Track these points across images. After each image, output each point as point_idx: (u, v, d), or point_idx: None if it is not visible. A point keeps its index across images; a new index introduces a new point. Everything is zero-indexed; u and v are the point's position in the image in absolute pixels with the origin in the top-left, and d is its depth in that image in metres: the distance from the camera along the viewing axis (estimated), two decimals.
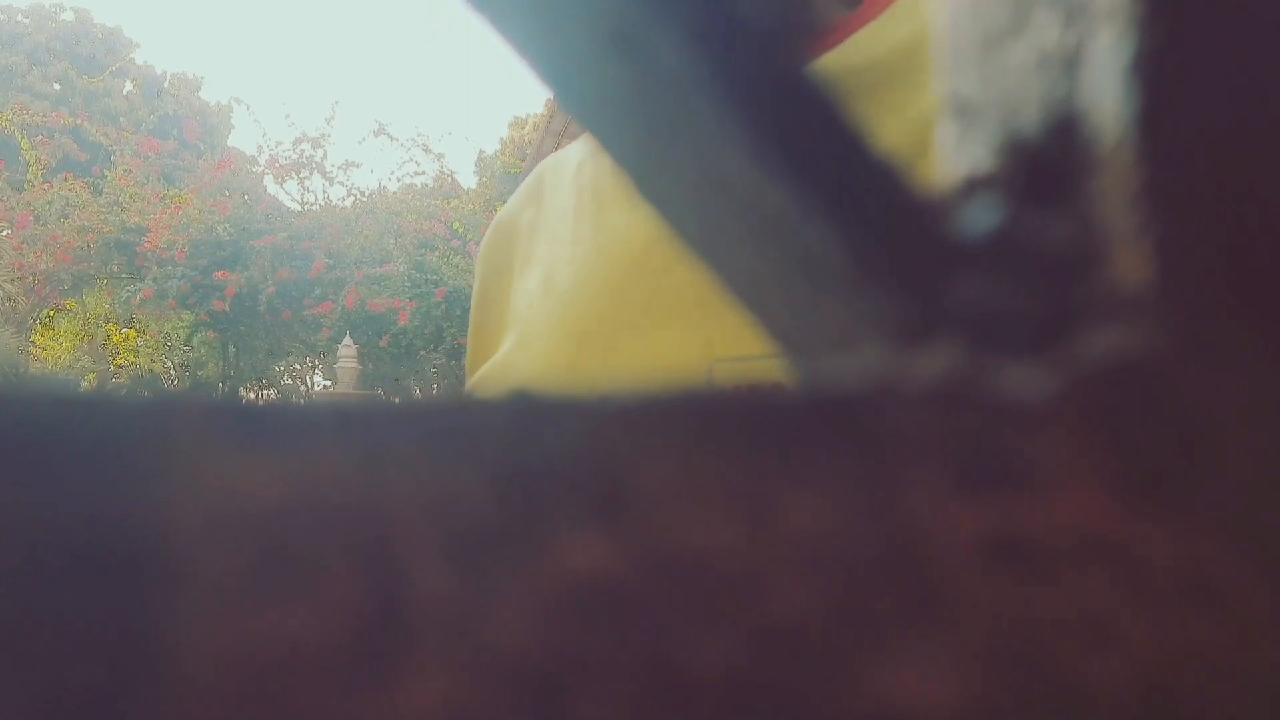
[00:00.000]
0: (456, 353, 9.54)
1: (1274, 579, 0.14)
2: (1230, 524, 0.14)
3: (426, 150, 11.38)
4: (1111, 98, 0.15)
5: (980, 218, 0.17)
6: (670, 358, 0.58)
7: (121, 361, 11.11)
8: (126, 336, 11.01)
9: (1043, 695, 0.13)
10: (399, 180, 11.42)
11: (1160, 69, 0.15)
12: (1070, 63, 0.17)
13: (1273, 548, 0.14)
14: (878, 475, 0.13)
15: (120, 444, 0.12)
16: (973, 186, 0.17)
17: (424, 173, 11.63)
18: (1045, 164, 0.17)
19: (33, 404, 0.12)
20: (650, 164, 0.20)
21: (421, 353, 9.66)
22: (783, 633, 0.13)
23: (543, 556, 0.12)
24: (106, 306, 10.27)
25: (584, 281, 0.66)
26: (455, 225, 10.82)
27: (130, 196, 9.66)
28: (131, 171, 9.91)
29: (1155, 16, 0.15)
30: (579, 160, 0.74)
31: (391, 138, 11.07)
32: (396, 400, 0.13)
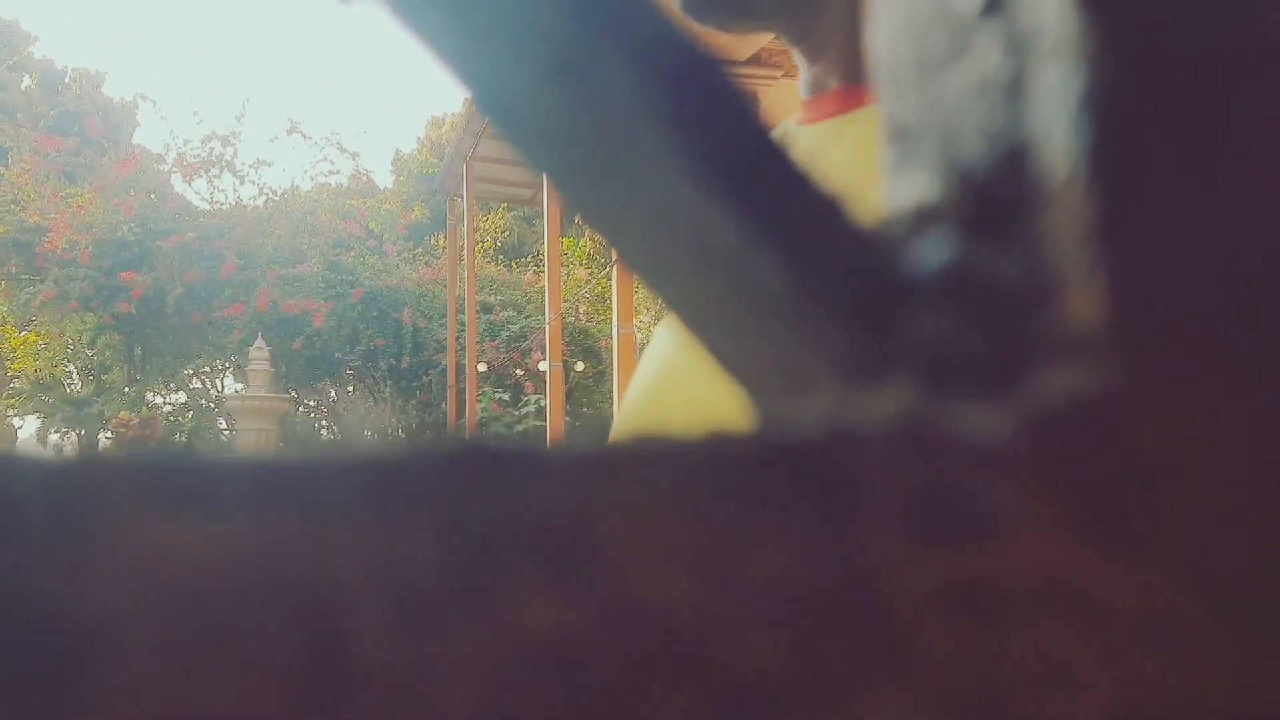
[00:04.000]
0: (373, 354, 9.41)
1: (1228, 621, 0.14)
2: (1186, 566, 0.14)
3: (341, 149, 11.20)
4: (1062, 133, 0.15)
5: (931, 252, 0.17)
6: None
7: (20, 366, 10.69)
8: (26, 340, 10.60)
9: None
10: (313, 179, 11.22)
11: (1111, 105, 0.15)
12: (1012, 91, 0.17)
13: (1232, 591, 0.14)
14: (837, 525, 0.13)
15: (37, 511, 0.11)
16: (922, 218, 0.17)
17: (339, 171, 11.45)
18: (992, 196, 0.17)
19: None
20: (593, 190, 0.19)
21: (337, 355, 9.50)
22: (746, 690, 0.12)
23: (494, 620, 0.12)
24: (4, 309, 9.88)
25: None
26: (371, 225, 10.67)
27: (29, 195, 9.32)
28: (30, 169, 9.56)
29: (1105, 52, 0.15)
30: None
31: (305, 136, 10.86)
32: (330, 443, 0.12)
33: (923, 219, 0.17)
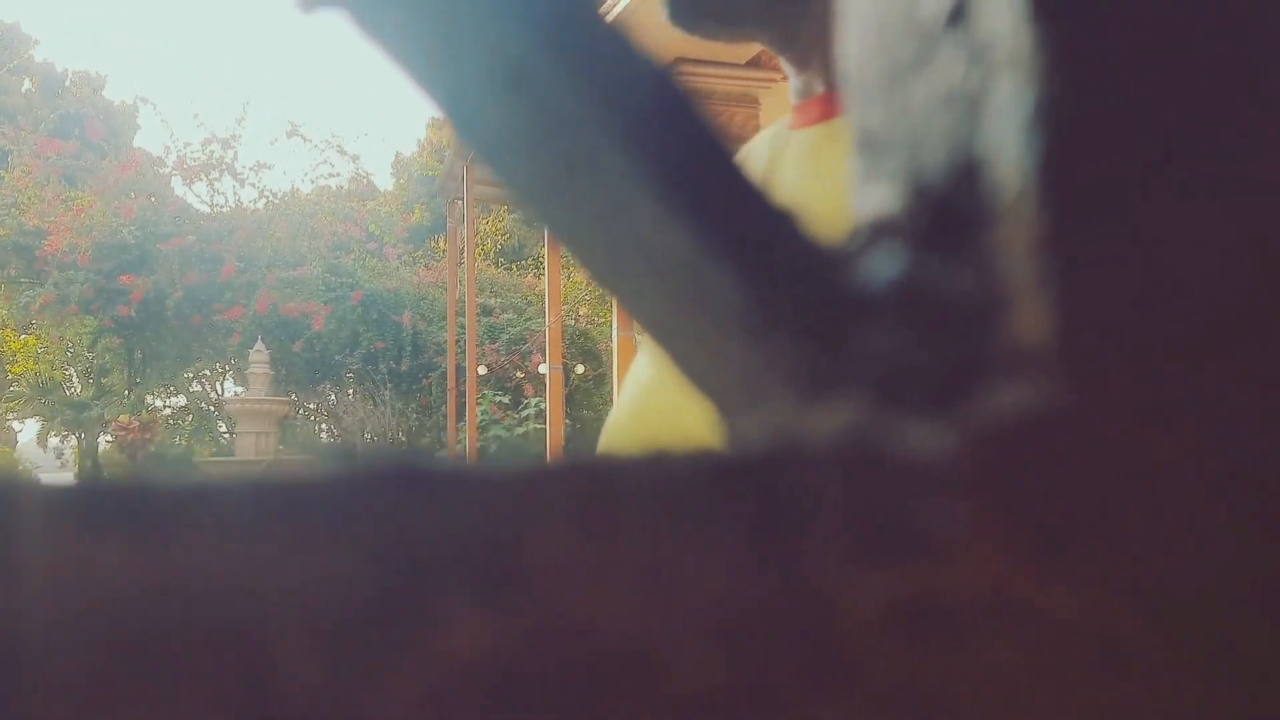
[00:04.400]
0: (373, 357, 9.41)
1: (1176, 642, 0.14)
2: (1135, 585, 0.14)
3: (341, 152, 11.21)
4: (1013, 148, 0.15)
5: (883, 266, 0.17)
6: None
7: (20, 369, 10.70)
8: (25, 343, 10.61)
9: None
10: (313, 182, 11.23)
11: (1061, 120, 0.15)
12: (974, 102, 0.17)
13: (1176, 610, 0.14)
14: (781, 543, 0.13)
15: None
16: (876, 231, 0.17)
17: (338, 174, 11.46)
18: (947, 208, 0.17)
19: None
20: (550, 199, 0.19)
21: (337, 358, 9.50)
22: (687, 707, 0.12)
23: (425, 641, 0.11)
24: (4, 312, 9.89)
25: None
26: (371, 228, 10.68)
27: (29, 198, 9.34)
28: (30, 172, 9.57)
29: (1056, 67, 0.15)
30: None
31: (305, 138, 10.89)
32: (269, 470, 0.12)
33: (876, 232, 0.17)
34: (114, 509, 0.11)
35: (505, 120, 0.18)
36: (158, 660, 0.11)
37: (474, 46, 0.17)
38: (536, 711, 0.12)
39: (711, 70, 3.51)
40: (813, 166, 0.68)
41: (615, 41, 0.16)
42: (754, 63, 3.69)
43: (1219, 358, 0.15)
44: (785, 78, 0.79)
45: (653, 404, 0.68)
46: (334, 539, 0.12)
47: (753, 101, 3.67)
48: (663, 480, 0.13)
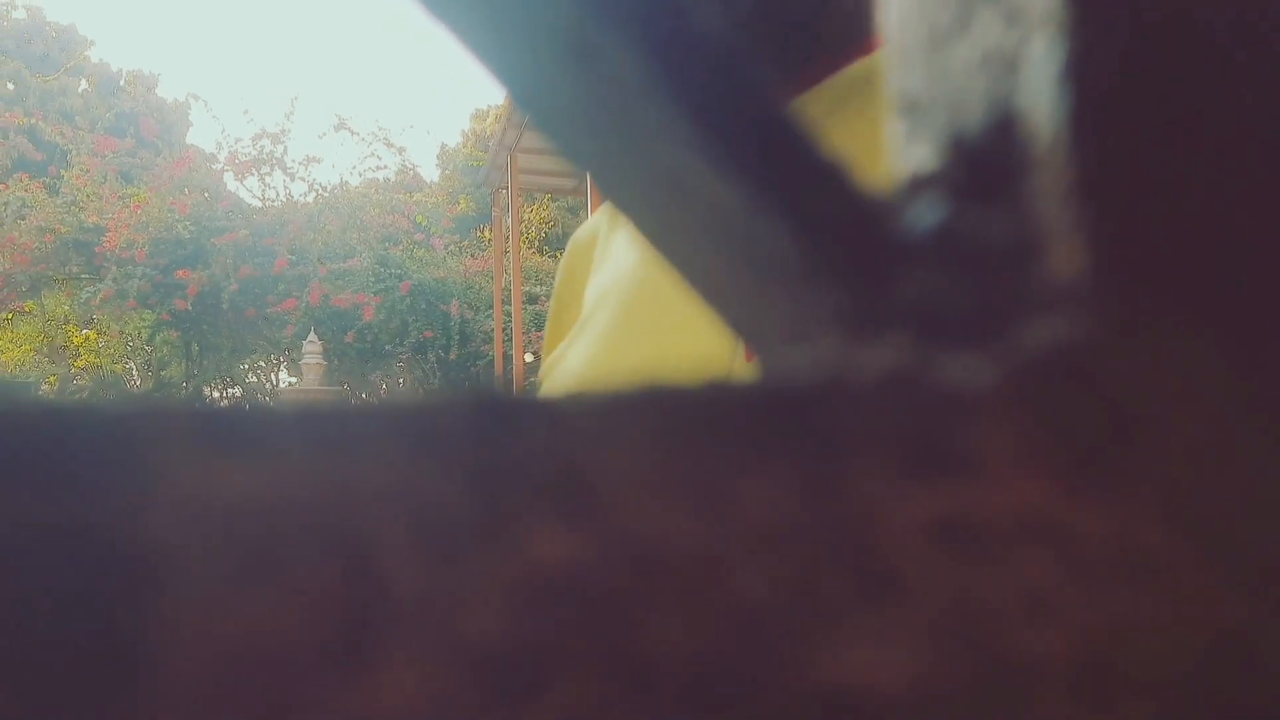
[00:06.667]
0: (422, 347, 9.51)
1: (1206, 555, 0.15)
2: (1164, 503, 0.15)
3: (388, 144, 11.33)
4: (1046, 99, 0.16)
5: (924, 215, 0.18)
6: (699, 353, 0.59)
7: (82, 363, 10.96)
8: (87, 338, 10.87)
9: (988, 670, 0.14)
10: (361, 175, 11.37)
11: (1091, 72, 0.16)
12: (1011, 63, 0.18)
13: (1205, 525, 0.15)
14: (829, 465, 0.14)
15: (96, 450, 0.12)
16: (917, 184, 0.18)
17: (386, 167, 11.59)
18: (986, 162, 0.17)
19: (5, 415, 0.12)
20: (608, 167, 0.20)
21: (387, 348, 9.61)
22: (742, 618, 0.13)
23: (511, 550, 0.13)
24: (66, 308, 10.13)
25: (635, 276, 0.69)
26: (419, 219, 10.77)
27: (88, 196, 9.53)
28: (89, 170, 9.77)
29: (1086, 21, 0.16)
30: None
31: (352, 132, 11.02)
32: (365, 399, 0.13)
33: (918, 185, 0.18)
34: (237, 430, 0.12)
35: (563, 89, 0.19)
36: (279, 566, 0.12)
37: (532, 15, 0.18)
38: (606, 615, 0.13)
39: None
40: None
41: (670, 5, 0.17)
42: None
43: (1245, 286, 0.16)
44: None
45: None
46: (431, 460, 0.13)
47: None
48: (721, 407, 0.14)
